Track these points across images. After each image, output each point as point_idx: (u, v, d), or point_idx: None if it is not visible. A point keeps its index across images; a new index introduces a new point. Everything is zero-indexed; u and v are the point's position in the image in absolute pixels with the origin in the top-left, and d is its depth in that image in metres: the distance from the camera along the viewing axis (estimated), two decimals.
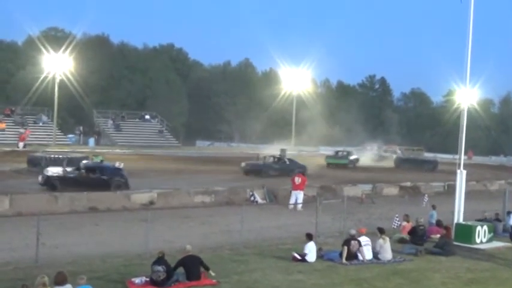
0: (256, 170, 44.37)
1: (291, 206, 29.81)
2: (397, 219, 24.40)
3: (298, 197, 30.57)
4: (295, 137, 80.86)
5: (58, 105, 67.01)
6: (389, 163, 63.18)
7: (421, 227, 22.38)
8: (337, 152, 60.93)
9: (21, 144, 58.59)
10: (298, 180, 31.08)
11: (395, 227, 23.91)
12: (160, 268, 14.68)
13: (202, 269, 15.47)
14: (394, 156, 68.01)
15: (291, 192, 31.20)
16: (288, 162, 46.30)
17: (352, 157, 59.55)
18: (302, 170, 41.63)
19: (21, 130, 65.08)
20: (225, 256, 18.43)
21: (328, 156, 59.72)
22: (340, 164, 56.51)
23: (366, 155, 66.96)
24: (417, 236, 21.89)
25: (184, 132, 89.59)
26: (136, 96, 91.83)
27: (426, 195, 31.92)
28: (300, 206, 29.71)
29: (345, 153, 60.15)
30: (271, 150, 61.64)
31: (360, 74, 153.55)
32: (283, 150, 52.08)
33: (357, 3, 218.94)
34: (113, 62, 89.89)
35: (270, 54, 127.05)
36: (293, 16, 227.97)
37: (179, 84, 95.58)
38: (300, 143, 79.41)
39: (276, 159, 46.98)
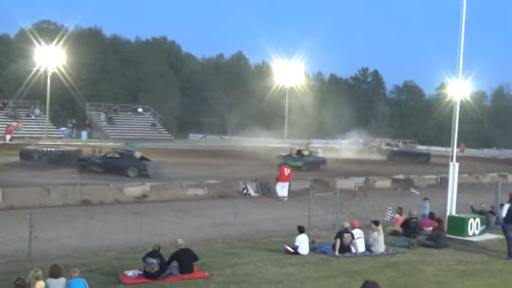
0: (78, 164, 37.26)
1: (286, 199, 30.04)
2: (390, 211, 24.47)
3: (285, 188, 30.82)
4: (288, 129, 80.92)
5: (50, 98, 66.99)
6: (376, 156, 63.17)
7: (414, 220, 22.45)
8: (298, 151, 48.73)
9: (8, 137, 58.56)
10: (287, 171, 31.42)
11: (388, 219, 23.98)
12: (154, 261, 14.67)
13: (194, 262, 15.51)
14: (384, 149, 68.19)
15: (276, 183, 31.37)
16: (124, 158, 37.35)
17: (307, 158, 47.32)
18: (140, 167, 35.75)
19: (14, 123, 65.01)
20: (218, 249, 18.43)
21: (281, 156, 47.29)
22: (293, 166, 41.16)
23: (351, 148, 66.99)
24: (410, 228, 21.96)
25: (177, 125, 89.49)
26: (129, 89, 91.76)
27: (412, 189, 32.28)
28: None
29: (300, 151, 48.56)
30: (261, 143, 61.82)
31: (352, 67, 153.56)
32: (128, 143, 48.20)
33: None
34: (106, 55, 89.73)
35: (262, 47, 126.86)
36: (286, 9, 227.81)
37: (172, 77, 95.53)
38: (293, 135, 79.48)
39: (109, 154, 38.44)
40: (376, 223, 19.72)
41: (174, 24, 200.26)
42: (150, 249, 15.26)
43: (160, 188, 29.63)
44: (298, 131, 78.11)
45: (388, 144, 72.09)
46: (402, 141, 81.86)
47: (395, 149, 68.45)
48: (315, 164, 46.96)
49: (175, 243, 15.77)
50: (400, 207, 24.11)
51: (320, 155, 50.69)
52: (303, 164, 45.18)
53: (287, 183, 31.17)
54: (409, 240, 20.46)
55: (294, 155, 47.30)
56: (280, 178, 31.22)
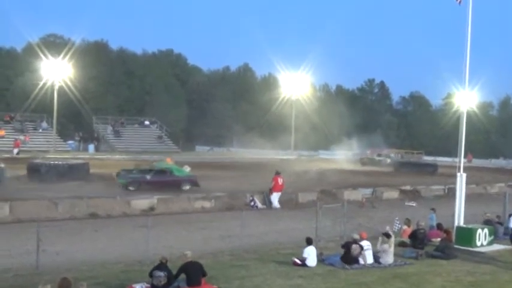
0: None
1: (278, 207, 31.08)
2: (398, 222, 24.42)
3: (277, 198, 31.60)
4: (294, 140, 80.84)
5: (57, 112, 67.14)
6: (368, 167, 62.78)
7: (422, 231, 22.38)
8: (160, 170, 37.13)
9: (15, 151, 58.77)
10: (280, 181, 32.03)
11: (395, 230, 23.92)
12: (161, 273, 14.65)
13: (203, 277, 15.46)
14: (388, 160, 67.95)
15: (271, 193, 31.90)
16: None
17: (135, 175, 36.26)
18: None
19: (21, 137, 65.21)
20: (225, 261, 18.41)
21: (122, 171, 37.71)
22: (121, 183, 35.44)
23: (346, 159, 66.68)
24: (418, 239, 21.90)
25: (183, 137, 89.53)
26: (136, 102, 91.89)
27: (412, 202, 32.98)
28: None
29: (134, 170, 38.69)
30: (268, 154, 61.74)
31: (359, 78, 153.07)
32: None
33: (356, 7, 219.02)
34: (112, 68, 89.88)
35: (269, 59, 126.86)
36: (292, 21, 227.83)
37: (178, 89, 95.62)
38: (299, 147, 79.40)
39: None
40: (388, 235, 19.69)
41: (180, 37, 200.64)
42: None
43: (167, 201, 29.65)
44: (304, 142, 78.03)
45: (379, 155, 71.50)
46: (406, 151, 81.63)
47: (388, 160, 67.98)
48: (155, 183, 34.63)
49: (183, 256, 15.75)
50: (408, 218, 24.06)
51: (187, 173, 38.09)
52: (126, 181, 34.94)
53: (279, 193, 31.66)
54: (417, 252, 20.41)
55: (134, 171, 37.90)
56: (274, 188, 31.64)
